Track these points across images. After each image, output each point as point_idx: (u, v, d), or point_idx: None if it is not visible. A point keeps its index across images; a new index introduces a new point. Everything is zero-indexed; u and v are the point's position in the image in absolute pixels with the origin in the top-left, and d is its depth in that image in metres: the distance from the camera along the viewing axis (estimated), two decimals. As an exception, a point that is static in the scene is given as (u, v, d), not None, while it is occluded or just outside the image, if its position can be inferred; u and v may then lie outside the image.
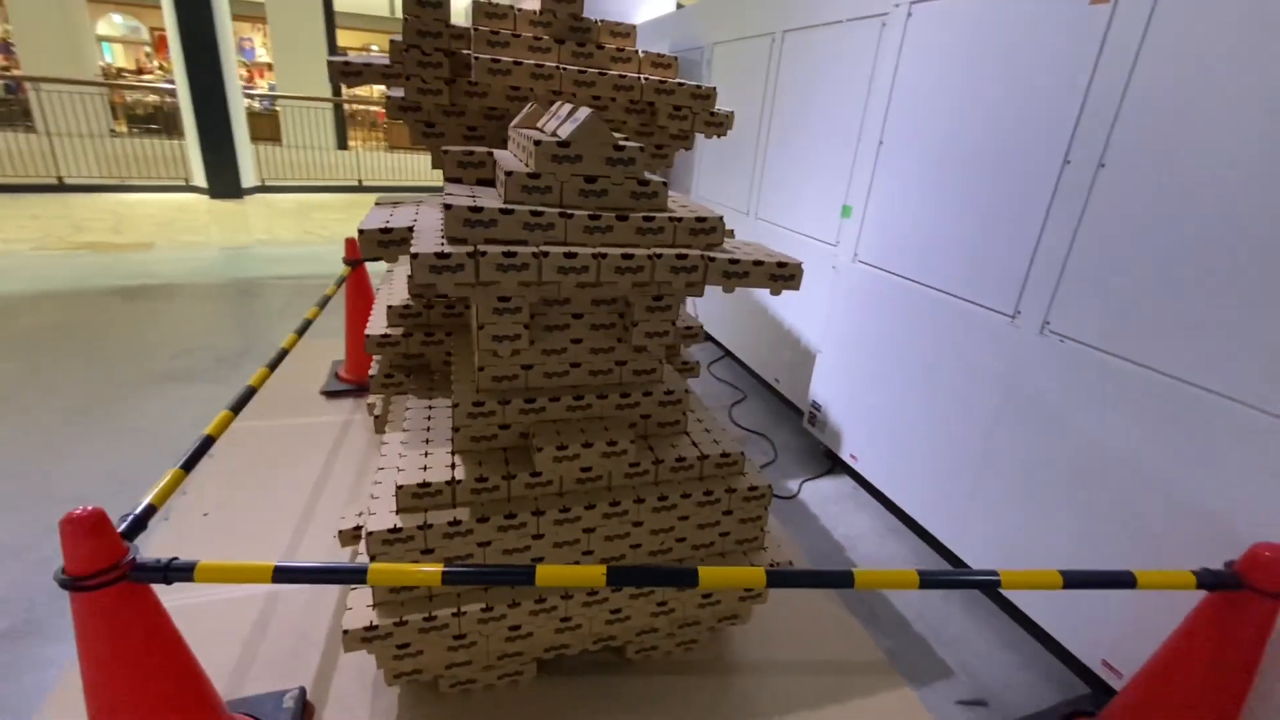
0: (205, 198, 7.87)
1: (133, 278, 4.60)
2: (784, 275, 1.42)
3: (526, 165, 1.36)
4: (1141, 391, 1.51)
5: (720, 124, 1.97)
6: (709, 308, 4.05)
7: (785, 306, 3.14)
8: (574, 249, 1.27)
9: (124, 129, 12.18)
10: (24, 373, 3.06)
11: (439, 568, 1.09)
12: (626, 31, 1.91)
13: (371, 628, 1.36)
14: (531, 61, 1.74)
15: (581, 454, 1.46)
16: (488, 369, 1.50)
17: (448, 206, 1.22)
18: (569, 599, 1.48)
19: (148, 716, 1.12)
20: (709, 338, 4.19)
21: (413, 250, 1.17)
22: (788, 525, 2.37)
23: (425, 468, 1.44)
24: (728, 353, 3.91)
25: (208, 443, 1.43)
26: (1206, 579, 1.20)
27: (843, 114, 2.60)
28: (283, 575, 1.04)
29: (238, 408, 1.59)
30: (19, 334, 3.49)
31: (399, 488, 1.37)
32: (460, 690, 1.57)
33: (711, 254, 1.36)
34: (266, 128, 11.49)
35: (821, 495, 2.57)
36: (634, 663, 1.71)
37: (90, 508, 1.00)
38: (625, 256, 1.30)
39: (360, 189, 9.43)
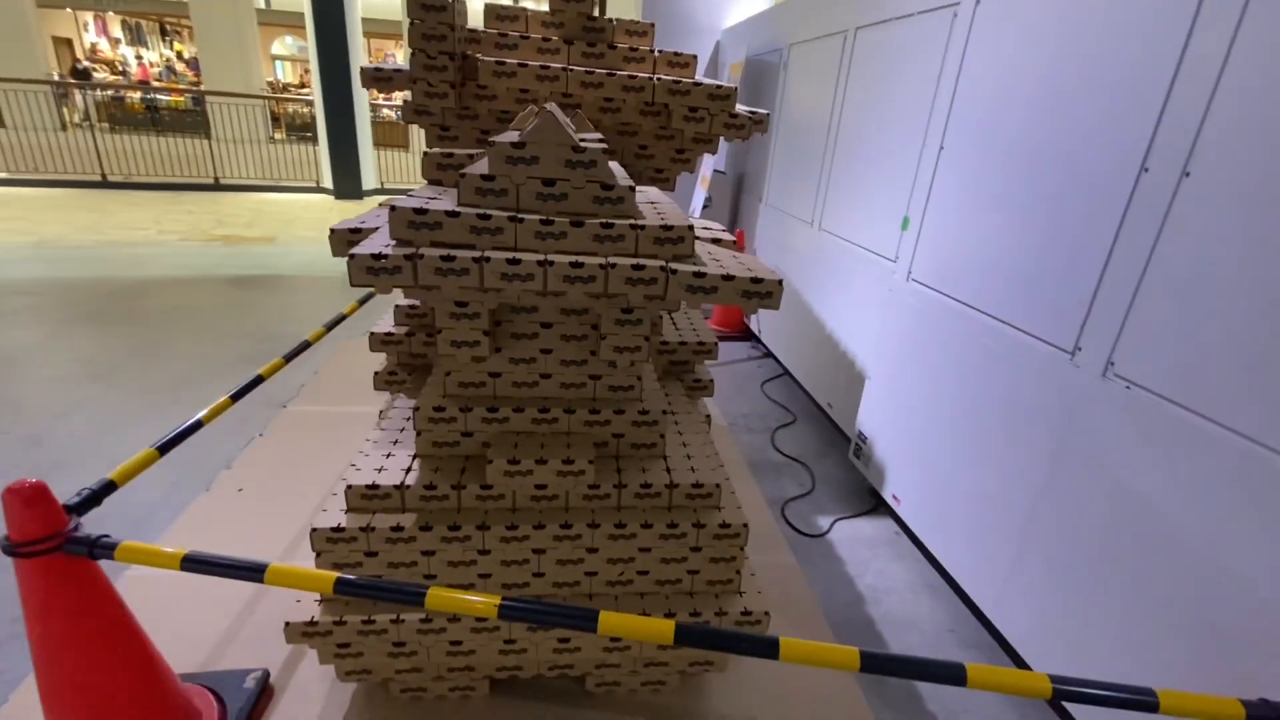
0: (331, 198, 8.68)
1: (249, 268, 5.14)
2: (759, 293, 1.27)
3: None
4: (1223, 460, 1.20)
5: (741, 126, 1.83)
6: (770, 320, 3.85)
7: (842, 325, 2.89)
8: (518, 255, 1.20)
9: (282, 136, 13.77)
10: (140, 345, 3.48)
11: (333, 575, 1.06)
12: (643, 30, 1.82)
13: (312, 623, 1.37)
14: (537, 63, 1.70)
15: (535, 470, 1.39)
16: (454, 374, 1.46)
17: (393, 208, 1.20)
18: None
19: (86, 679, 1.18)
20: (768, 353, 3.98)
21: (350, 251, 1.15)
22: (809, 566, 2.16)
23: (380, 469, 1.43)
24: (786, 371, 3.68)
25: (196, 427, 1.51)
26: (1262, 711, 0.91)
27: (908, 117, 2.35)
28: (190, 564, 1.05)
29: (238, 396, 1.67)
30: (144, 312, 3.99)
31: (348, 487, 1.37)
32: (411, 696, 1.55)
33: (675, 266, 1.24)
34: (397, 135, 12.49)
35: (856, 537, 2.32)
36: (595, 696, 1.61)
37: (33, 480, 1.07)
38: (574, 265, 1.21)
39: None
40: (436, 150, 1.50)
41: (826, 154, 3.07)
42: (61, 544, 1.08)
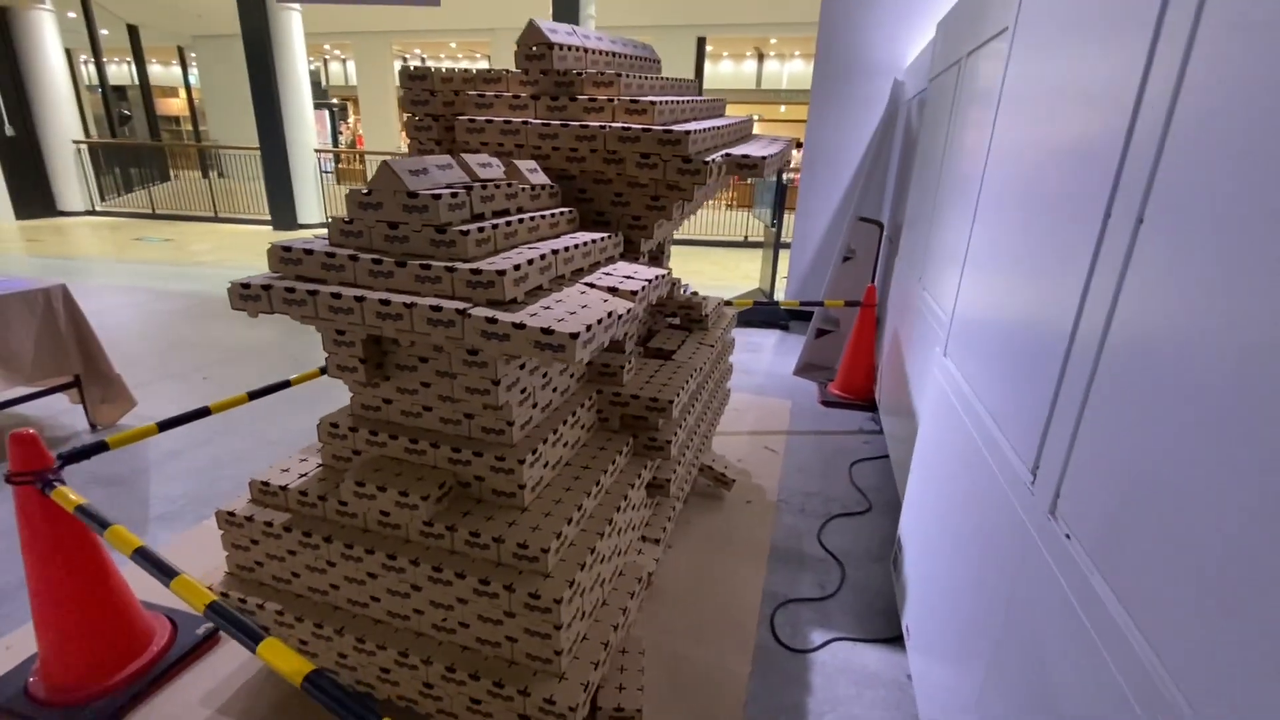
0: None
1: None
2: (550, 345, 1.17)
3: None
4: (1117, 663, 0.73)
5: (697, 171, 1.69)
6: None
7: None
8: (339, 290, 1.30)
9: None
10: (280, 339, 4.44)
11: (209, 597, 1.25)
12: (610, 81, 1.81)
13: (224, 595, 1.61)
14: (501, 119, 1.82)
15: (378, 496, 1.45)
16: (357, 396, 1.62)
17: (271, 246, 1.41)
18: (383, 651, 1.44)
19: (57, 595, 1.57)
20: (882, 430, 3.43)
21: (230, 281, 1.38)
22: (764, 683, 1.80)
23: (286, 470, 1.63)
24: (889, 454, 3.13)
25: (203, 412, 1.91)
26: None
27: (967, 157, 1.90)
28: (82, 514, 1.35)
29: (256, 395, 2.06)
30: (357, 328, 5.06)
31: (251, 481, 1.60)
32: (296, 684, 1.70)
33: (470, 310, 1.22)
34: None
35: (850, 667, 1.87)
36: None
37: (29, 430, 1.49)
38: (383, 303, 1.27)
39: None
40: (360, 190, 1.70)
41: (935, 198, 2.61)
42: (33, 480, 1.48)
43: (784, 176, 5.62)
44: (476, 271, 1.25)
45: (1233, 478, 0.61)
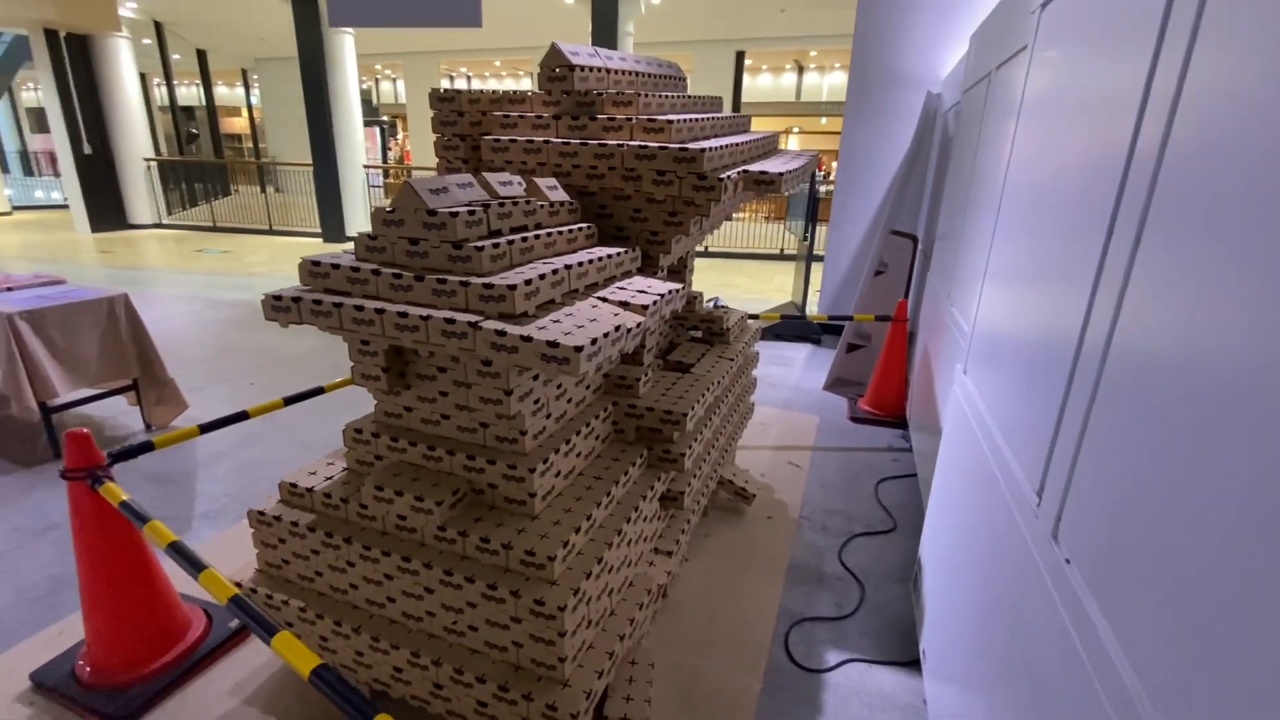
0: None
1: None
2: (555, 358, 1.21)
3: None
4: None
5: (712, 188, 1.72)
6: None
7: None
8: (362, 303, 1.37)
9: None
10: (324, 347, 4.60)
11: (232, 590, 1.33)
12: (628, 100, 1.86)
13: (253, 590, 1.69)
14: (524, 139, 1.88)
15: (395, 500, 1.51)
16: (381, 404, 1.69)
17: (302, 260, 1.49)
18: (397, 650, 1.49)
19: (103, 585, 1.68)
20: (912, 448, 3.36)
21: (263, 294, 1.47)
22: (775, 702, 1.78)
23: (313, 473, 1.71)
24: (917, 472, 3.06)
25: (241, 416, 2.02)
26: None
27: (990, 170, 1.87)
28: (125, 509, 1.45)
29: (291, 401, 2.17)
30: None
31: (281, 482, 1.68)
32: (318, 679, 1.77)
33: (482, 323, 1.27)
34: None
35: (864, 689, 1.83)
36: None
37: (84, 430, 1.60)
38: (401, 315, 1.33)
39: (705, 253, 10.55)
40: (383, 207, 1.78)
41: (966, 214, 2.56)
42: (84, 476, 1.59)
43: (819, 189, 5.59)
44: (489, 286, 1.31)
45: (1226, 510, 0.60)
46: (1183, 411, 0.67)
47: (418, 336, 1.33)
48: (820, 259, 5.19)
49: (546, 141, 1.85)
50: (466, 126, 1.99)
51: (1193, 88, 0.74)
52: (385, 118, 22.06)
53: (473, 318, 1.29)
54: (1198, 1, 0.73)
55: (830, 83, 18.70)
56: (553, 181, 1.79)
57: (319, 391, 2.32)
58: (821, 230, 5.58)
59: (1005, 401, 1.32)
